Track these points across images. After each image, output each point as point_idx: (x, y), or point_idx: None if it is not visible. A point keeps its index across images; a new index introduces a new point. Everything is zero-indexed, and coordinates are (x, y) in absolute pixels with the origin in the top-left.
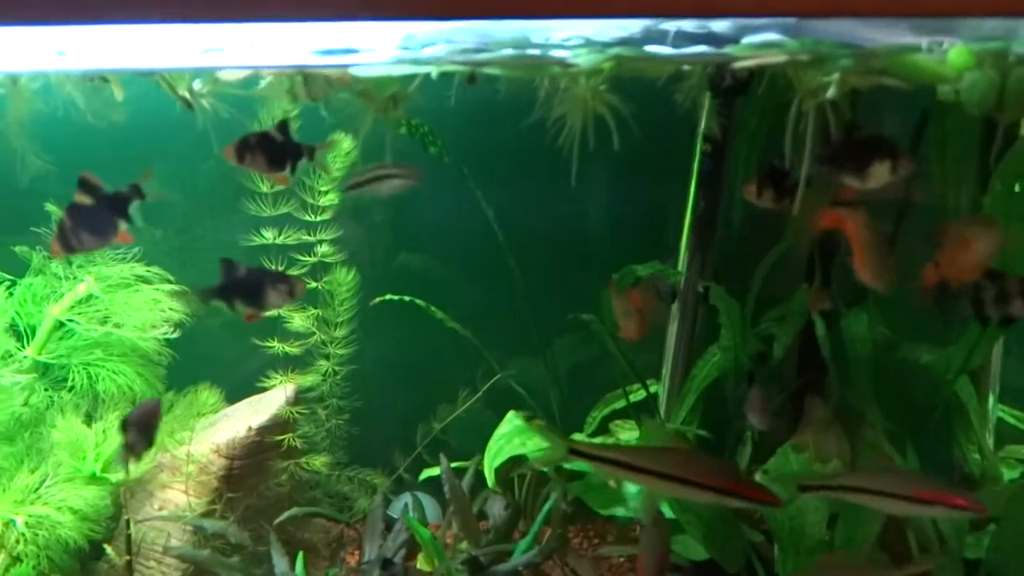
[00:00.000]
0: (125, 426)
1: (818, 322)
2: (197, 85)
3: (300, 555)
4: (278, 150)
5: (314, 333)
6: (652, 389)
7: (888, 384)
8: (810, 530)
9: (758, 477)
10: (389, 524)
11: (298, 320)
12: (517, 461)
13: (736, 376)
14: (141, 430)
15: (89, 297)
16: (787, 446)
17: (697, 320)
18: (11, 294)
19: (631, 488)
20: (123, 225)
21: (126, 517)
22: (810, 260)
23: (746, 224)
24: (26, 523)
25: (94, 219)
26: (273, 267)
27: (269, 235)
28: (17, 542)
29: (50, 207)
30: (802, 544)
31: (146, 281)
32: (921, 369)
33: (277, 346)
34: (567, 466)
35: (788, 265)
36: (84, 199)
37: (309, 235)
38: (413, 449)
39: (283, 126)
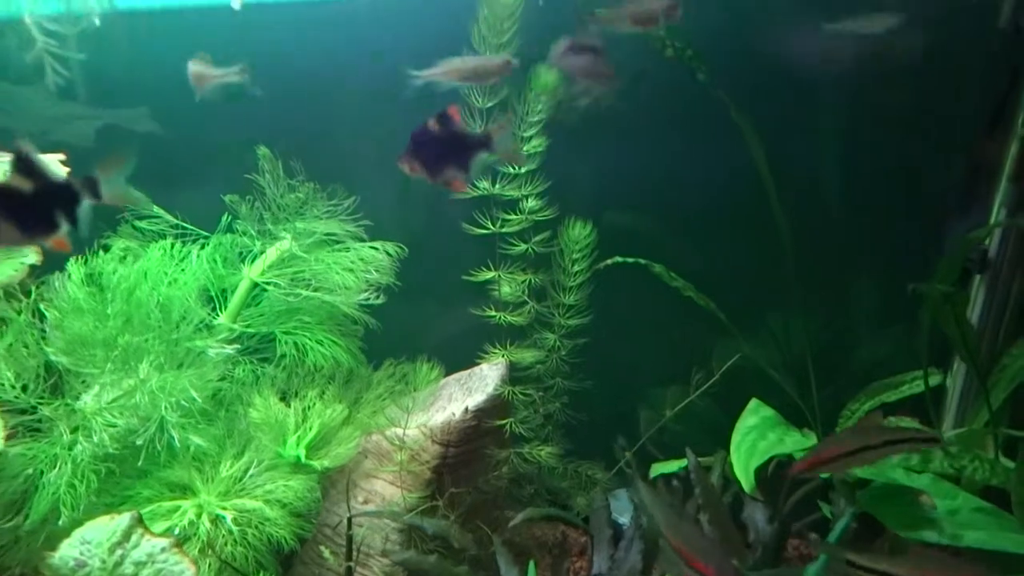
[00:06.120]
0: None
1: None
2: None
3: (531, 564)
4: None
5: (526, 301)
6: (936, 380)
7: None
8: None
9: None
10: (614, 527)
11: (507, 287)
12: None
13: None
14: None
15: (287, 257)
16: None
17: (1013, 288)
18: (203, 247)
19: (946, 504)
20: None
21: (347, 516)
22: None
23: None
24: (234, 520)
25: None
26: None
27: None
28: (225, 543)
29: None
30: None
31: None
32: None
33: (495, 315)
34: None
35: None
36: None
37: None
38: (635, 439)
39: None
